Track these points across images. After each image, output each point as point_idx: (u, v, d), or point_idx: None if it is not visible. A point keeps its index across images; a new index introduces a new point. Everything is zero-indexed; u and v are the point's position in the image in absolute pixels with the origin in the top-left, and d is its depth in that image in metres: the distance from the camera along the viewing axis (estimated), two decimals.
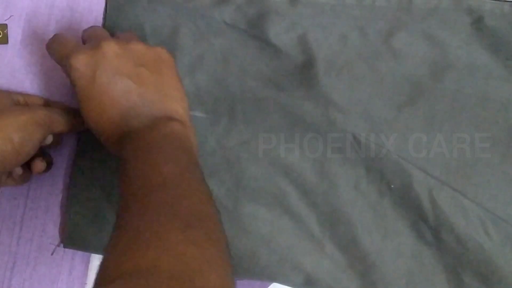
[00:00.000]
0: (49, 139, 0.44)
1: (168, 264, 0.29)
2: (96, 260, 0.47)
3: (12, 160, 0.40)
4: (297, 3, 0.48)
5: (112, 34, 0.44)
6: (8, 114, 0.40)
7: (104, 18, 0.49)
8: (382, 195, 0.46)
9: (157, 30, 0.49)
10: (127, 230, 0.32)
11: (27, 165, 0.44)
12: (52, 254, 0.47)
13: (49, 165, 0.46)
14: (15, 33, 0.49)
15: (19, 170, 0.44)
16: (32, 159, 0.45)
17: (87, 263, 0.47)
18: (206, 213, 0.34)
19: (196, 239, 0.31)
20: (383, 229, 0.46)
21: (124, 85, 0.39)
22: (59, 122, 0.43)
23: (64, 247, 0.47)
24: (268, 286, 0.47)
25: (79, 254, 0.47)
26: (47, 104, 0.47)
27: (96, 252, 0.47)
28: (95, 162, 0.47)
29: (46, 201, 0.48)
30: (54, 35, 0.43)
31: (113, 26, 0.49)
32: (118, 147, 0.39)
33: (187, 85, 0.46)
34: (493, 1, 0.48)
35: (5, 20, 0.49)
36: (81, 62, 0.39)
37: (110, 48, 0.40)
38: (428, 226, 0.45)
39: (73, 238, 0.46)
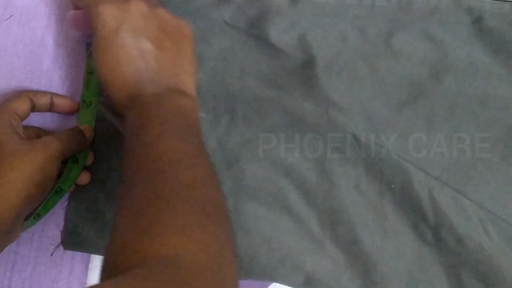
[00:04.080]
0: (91, 158, 0.47)
1: (192, 253, 0.28)
2: (96, 260, 0.47)
3: (37, 200, 0.41)
4: (297, 3, 0.48)
5: None
6: (22, 154, 0.40)
7: None
8: (382, 195, 0.46)
9: None
10: (142, 211, 0.31)
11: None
12: (51, 255, 0.47)
13: None
14: (15, 33, 0.49)
15: None
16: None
17: (87, 263, 0.47)
18: (219, 201, 0.34)
19: (212, 228, 0.31)
20: (383, 229, 0.46)
21: (144, 45, 0.39)
22: (70, 148, 0.43)
23: (65, 249, 0.47)
24: (268, 286, 0.47)
25: (79, 254, 0.47)
26: (44, 133, 0.46)
27: (96, 253, 0.46)
28: (95, 162, 0.47)
29: None
30: None
31: None
32: (126, 108, 0.39)
33: None
34: (493, 1, 0.48)
35: (5, 20, 0.49)
36: (108, 12, 0.39)
37: (139, 7, 0.40)
38: (428, 226, 0.45)
39: (73, 239, 0.46)
